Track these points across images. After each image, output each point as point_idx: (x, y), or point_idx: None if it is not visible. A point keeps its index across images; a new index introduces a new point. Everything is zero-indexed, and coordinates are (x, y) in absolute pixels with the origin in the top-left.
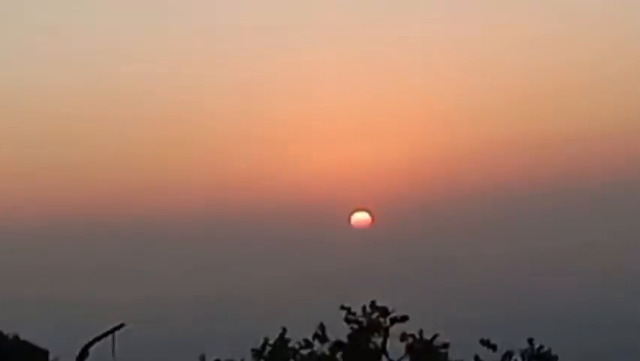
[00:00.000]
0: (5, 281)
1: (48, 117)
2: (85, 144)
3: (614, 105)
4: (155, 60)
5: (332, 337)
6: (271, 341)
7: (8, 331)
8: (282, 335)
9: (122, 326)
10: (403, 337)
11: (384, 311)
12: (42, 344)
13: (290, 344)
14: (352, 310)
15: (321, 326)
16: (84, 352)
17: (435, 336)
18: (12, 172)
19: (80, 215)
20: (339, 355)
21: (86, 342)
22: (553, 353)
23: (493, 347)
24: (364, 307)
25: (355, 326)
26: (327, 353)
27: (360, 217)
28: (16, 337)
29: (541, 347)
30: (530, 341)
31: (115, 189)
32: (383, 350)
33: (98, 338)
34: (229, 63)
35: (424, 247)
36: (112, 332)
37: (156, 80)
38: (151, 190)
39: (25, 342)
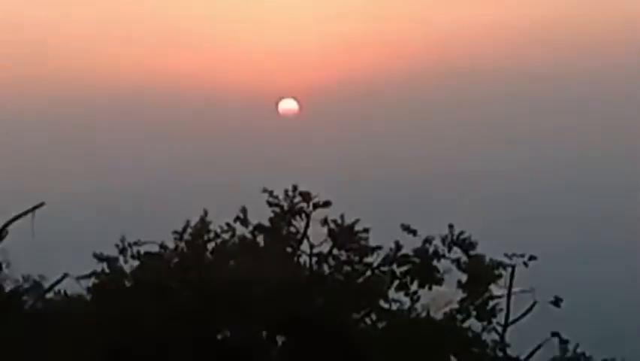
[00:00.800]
0: None
1: None
2: None
3: None
4: None
5: (254, 221)
6: (192, 224)
7: None
8: (203, 218)
9: (41, 204)
10: (324, 222)
11: (306, 196)
12: None
13: (211, 227)
14: (275, 193)
15: (243, 210)
16: (2, 231)
17: (356, 221)
18: None
19: None
20: (260, 238)
21: (4, 222)
22: (473, 239)
23: (414, 233)
24: (286, 191)
25: (277, 210)
26: (249, 236)
27: (288, 105)
28: None
29: (461, 233)
30: (451, 226)
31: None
32: (304, 234)
33: (17, 217)
34: None
35: (351, 137)
36: (31, 210)
37: None
38: (62, 73)
39: None
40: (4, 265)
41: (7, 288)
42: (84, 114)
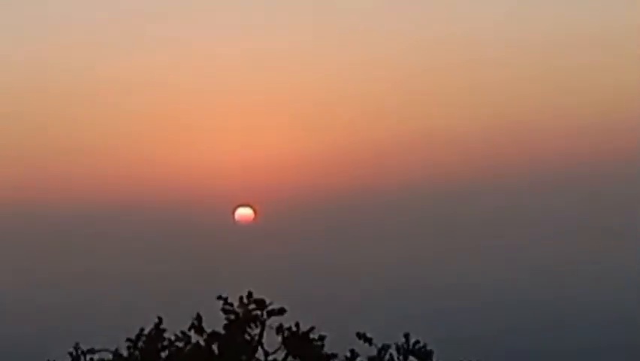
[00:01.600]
0: None
1: None
2: None
3: (521, 103)
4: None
5: (209, 328)
6: (146, 331)
7: None
8: (157, 325)
9: None
10: (279, 329)
11: (261, 303)
12: None
13: (166, 335)
14: (229, 300)
15: (198, 317)
16: None
17: (311, 329)
18: None
19: None
20: (214, 346)
21: None
22: (429, 348)
23: (369, 341)
24: (241, 298)
25: (232, 317)
26: (203, 343)
27: (244, 212)
28: None
29: (417, 341)
30: (406, 335)
31: None
32: (259, 342)
33: None
34: (106, 56)
35: (306, 244)
36: None
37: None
38: (18, 182)
39: None
40: None
41: None
42: (35, 220)
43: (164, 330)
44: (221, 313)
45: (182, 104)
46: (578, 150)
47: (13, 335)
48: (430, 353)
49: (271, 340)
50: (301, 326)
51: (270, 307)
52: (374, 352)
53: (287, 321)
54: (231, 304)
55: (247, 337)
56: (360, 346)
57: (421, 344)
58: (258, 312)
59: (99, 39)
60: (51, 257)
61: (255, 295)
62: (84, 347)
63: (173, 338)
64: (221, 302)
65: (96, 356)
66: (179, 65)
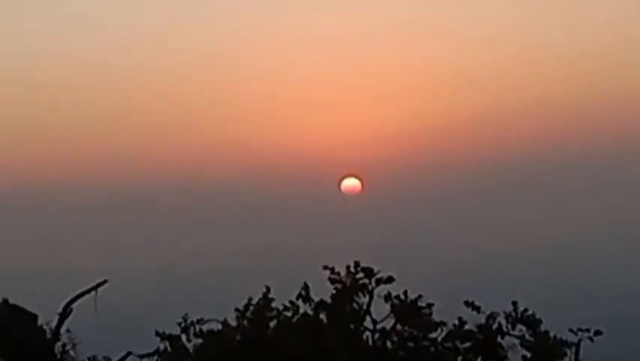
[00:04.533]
0: None
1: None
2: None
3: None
4: (136, 30)
5: (316, 298)
6: (254, 301)
7: None
8: (265, 295)
9: (104, 282)
10: (387, 297)
11: (369, 272)
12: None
13: (274, 305)
14: (336, 270)
15: (305, 287)
16: (67, 308)
17: (419, 296)
18: None
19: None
20: (322, 315)
21: (68, 299)
22: (538, 316)
23: (477, 309)
24: (348, 268)
25: (339, 286)
26: (311, 313)
27: (350, 183)
28: (5, 300)
29: (525, 310)
30: (514, 303)
31: (85, 155)
32: (367, 310)
33: (81, 295)
34: (212, 26)
35: (413, 214)
36: (95, 288)
37: (132, 48)
38: (128, 157)
39: (14, 306)
40: (69, 347)
41: None
42: (144, 192)
43: (272, 300)
44: (328, 283)
45: (288, 78)
46: None
47: (123, 306)
48: (538, 321)
49: (379, 308)
50: (409, 294)
51: (377, 276)
52: (482, 320)
53: (395, 290)
54: (338, 274)
55: (355, 305)
56: (469, 314)
57: (530, 313)
58: (366, 280)
59: (194, 13)
60: (159, 235)
61: (363, 265)
62: (193, 318)
63: (281, 307)
64: (327, 272)
65: (205, 326)
66: (286, 39)
